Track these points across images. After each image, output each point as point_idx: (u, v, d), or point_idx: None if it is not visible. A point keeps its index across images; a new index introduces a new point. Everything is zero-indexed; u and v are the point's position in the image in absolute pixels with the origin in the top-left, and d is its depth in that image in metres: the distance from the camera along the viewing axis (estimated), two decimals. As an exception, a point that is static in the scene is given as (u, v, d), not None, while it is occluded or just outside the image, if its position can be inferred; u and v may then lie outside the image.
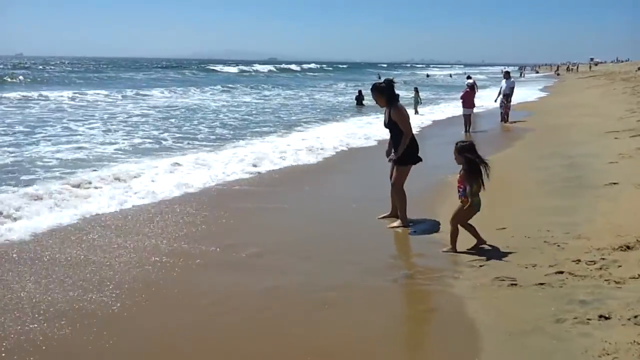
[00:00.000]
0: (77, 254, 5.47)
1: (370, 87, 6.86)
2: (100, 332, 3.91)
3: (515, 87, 19.58)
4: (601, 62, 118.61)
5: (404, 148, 6.44)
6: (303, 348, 3.72)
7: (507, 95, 18.61)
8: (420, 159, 6.63)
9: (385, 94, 6.58)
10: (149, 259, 5.40)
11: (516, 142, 13.76)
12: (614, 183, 7.34)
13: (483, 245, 5.46)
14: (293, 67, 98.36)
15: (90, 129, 16.11)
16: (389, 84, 6.65)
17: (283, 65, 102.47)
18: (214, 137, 15.18)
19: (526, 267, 4.76)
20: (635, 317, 3.57)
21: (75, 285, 4.72)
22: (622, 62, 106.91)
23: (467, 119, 16.52)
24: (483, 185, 5.40)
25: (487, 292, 4.38)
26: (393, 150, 6.68)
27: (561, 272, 4.51)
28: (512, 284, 4.44)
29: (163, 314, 4.28)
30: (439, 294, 4.51)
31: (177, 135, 15.14)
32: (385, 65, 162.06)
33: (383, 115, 6.88)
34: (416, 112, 21.23)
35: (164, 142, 13.82)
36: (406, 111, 6.70)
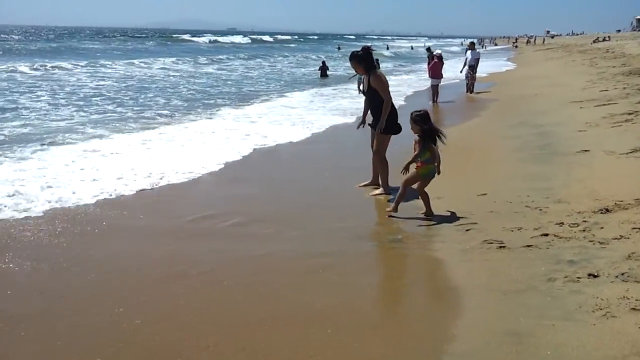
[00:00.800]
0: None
1: (349, 55, 6.83)
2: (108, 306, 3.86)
3: (480, 59, 19.81)
4: (557, 35, 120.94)
5: (385, 115, 6.47)
6: (298, 312, 3.74)
7: (472, 67, 18.82)
8: (400, 129, 6.66)
9: (363, 62, 6.57)
10: (125, 236, 5.32)
11: (483, 112, 14.00)
12: (585, 150, 7.57)
13: (449, 213, 5.63)
14: (266, 37, 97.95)
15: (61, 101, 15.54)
16: (367, 51, 6.65)
17: (257, 37, 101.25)
18: (183, 108, 14.93)
19: (512, 231, 4.89)
20: (622, 274, 3.72)
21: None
22: (577, 34, 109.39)
23: (435, 89, 16.67)
24: (436, 153, 5.56)
25: (478, 255, 4.49)
26: (373, 118, 6.71)
27: (546, 235, 4.65)
28: (500, 247, 4.56)
29: (153, 285, 4.21)
30: (431, 257, 4.60)
31: (154, 107, 14.76)
32: (353, 37, 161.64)
33: (357, 85, 6.92)
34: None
35: (129, 114, 13.51)
36: (386, 78, 6.72)
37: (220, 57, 41.28)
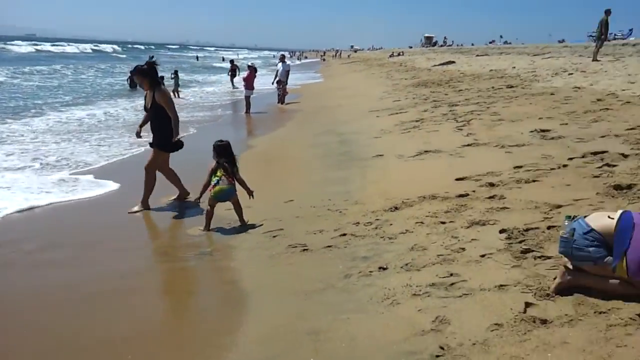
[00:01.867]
0: None
1: (132, 69, 6.65)
2: None
3: (290, 71, 20.63)
4: (360, 50, 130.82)
5: (177, 132, 6.44)
6: (104, 337, 3.55)
7: (280, 81, 19.52)
8: (179, 145, 6.63)
9: (148, 76, 6.42)
10: None
11: (292, 121, 14.64)
12: (380, 155, 8.30)
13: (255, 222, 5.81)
14: (106, 47, 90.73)
15: None
16: (151, 66, 6.44)
17: (93, 46, 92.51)
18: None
19: (314, 233, 5.17)
20: (407, 264, 4.14)
21: None
22: (377, 49, 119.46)
23: (247, 100, 16.95)
24: (230, 179, 5.75)
25: (283, 259, 4.67)
26: (153, 135, 6.58)
27: (344, 235, 5.00)
28: (303, 250, 4.79)
29: None
30: (237, 267, 4.67)
31: None
32: (176, 47, 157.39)
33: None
34: (177, 96, 21.06)
35: None
36: (170, 95, 6.67)
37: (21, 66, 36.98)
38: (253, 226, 5.67)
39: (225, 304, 4.12)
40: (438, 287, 3.70)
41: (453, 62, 32.17)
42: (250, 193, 5.85)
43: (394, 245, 4.59)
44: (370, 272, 4.13)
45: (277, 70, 19.90)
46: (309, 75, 39.37)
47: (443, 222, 4.93)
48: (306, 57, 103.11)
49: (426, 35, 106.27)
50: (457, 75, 21.63)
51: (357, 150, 9.10)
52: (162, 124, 6.40)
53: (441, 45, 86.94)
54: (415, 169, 7.27)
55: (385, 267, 4.17)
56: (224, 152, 5.78)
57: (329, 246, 4.79)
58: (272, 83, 20.14)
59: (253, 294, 4.13)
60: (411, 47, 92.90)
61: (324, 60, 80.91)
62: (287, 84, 19.88)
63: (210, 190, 5.69)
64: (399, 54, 59.47)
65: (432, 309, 3.41)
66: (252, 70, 17.87)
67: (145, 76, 6.38)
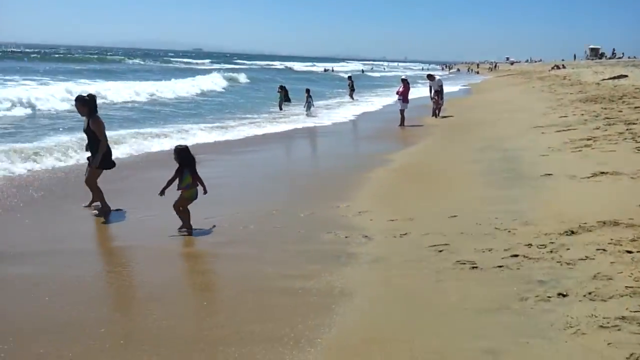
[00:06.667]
0: None
1: (75, 97, 7.47)
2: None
3: (443, 85, 20.32)
4: (516, 62, 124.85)
5: (101, 154, 7.14)
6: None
7: (437, 92, 19.30)
8: (113, 164, 7.41)
9: (87, 105, 7.24)
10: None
11: (448, 136, 14.38)
12: (549, 174, 7.86)
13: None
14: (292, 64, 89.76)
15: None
16: (92, 98, 7.34)
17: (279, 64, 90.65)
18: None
19: (483, 252, 5.05)
20: (590, 293, 3.90)
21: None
22: (535, 62, 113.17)
23: (402, 113, 17.01)
24: (195, 181, 6.36)
25: (451, 275, 4.63)
26: (90, 154, 7.32)
27: (516, 255, 4.82)
28: (473, 267, 4.71)
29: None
30: (408, 278, 4.71)
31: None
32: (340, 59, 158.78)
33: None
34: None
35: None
36: (103, 122, 7.32)
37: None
38: (419, 237, 5.68)
39: (399, 312, 4.17)
40: (630, 322, 3.43)
41: (625, 75, 29.41)
42: (205, 190, 6.40)
43: (573, 271, 4.35)
44: (549, 297, 3.96)
45: (431, 86, 19.70)
46: (464, 89, 38.42)
47: (629, 252, 4.56)
48: (458, 70, 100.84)
49: (590, 46, 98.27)
50: (632, 90, 19.72)
51: (523, 168, 8.70)
52: (96, 146, 7.15)
53: (609, 58, 79.89)
54: (591, 191, 6.78)
55: (565, 293, 3.97)
56: (186, 156, 6.29)
57: (500, 266, 4.66)
58: (431, 98, 19.81)
59: (423, 305, 4.15)
60: (575, 58, 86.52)
61: (477, 72, 78.47)
62: (442, 98, 19.59)
63: (183, 193, 6.26)
64: (559, 67, 55.77)
65: (625, 344, 3.18)
66: (406, 83, 17.90)
67: (84, 104, 7.20)
